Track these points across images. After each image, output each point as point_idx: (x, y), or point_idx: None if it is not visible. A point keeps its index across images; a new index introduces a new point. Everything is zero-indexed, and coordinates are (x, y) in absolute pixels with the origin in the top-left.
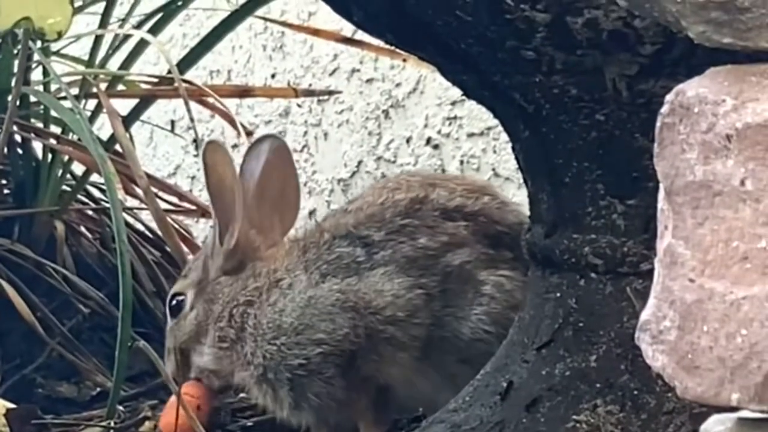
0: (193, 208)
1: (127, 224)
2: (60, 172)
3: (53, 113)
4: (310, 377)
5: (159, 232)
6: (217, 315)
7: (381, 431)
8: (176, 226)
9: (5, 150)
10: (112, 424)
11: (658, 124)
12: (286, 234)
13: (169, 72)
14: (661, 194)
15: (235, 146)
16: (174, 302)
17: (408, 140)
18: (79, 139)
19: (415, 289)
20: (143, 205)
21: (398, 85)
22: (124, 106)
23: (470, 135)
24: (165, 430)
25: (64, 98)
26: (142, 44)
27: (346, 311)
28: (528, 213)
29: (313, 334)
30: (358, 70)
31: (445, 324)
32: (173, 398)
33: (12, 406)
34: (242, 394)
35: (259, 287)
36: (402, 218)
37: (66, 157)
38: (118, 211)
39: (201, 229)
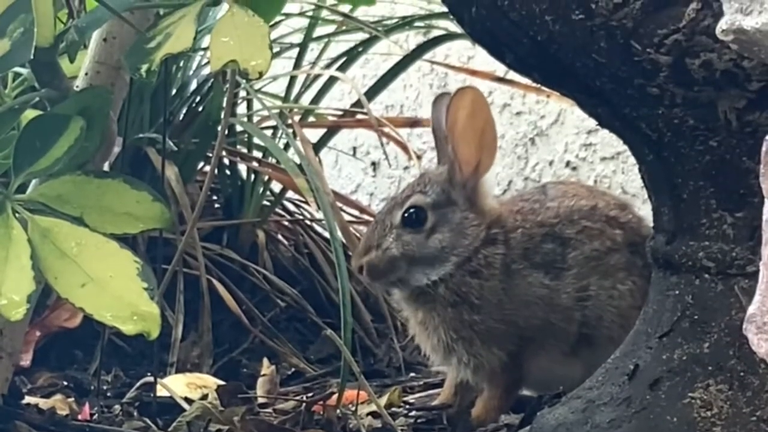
0: (372, 219)
1: (317, 232)
2: (261, 189)
3: (256, 140)
4: (487, 343)
5: (343, 240)
6: (462, 258)
7: (507, 403)
8: (357, 234)
9: (216, 171)
10: (305, 398)
11: (763, 149)
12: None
13: (353, 106)
14: (766, 208)
15: (406, 168)
16: (412, 213)
17: (551, 163)
18: (277, 162)
19: (589, 288)
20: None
21: (542, 116)
22: (314, 134)
23: (603, 158)
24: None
25: (265, 128)
26: (329, 83)
27: (546, 305)
28: (652, 225)
29: (512, 317)
30: (509, 105)
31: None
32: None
33: (222, 382)
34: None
35: (490, 260)
36: (585, 221)
37: (266, 177)
38: (333, 222)
39: None
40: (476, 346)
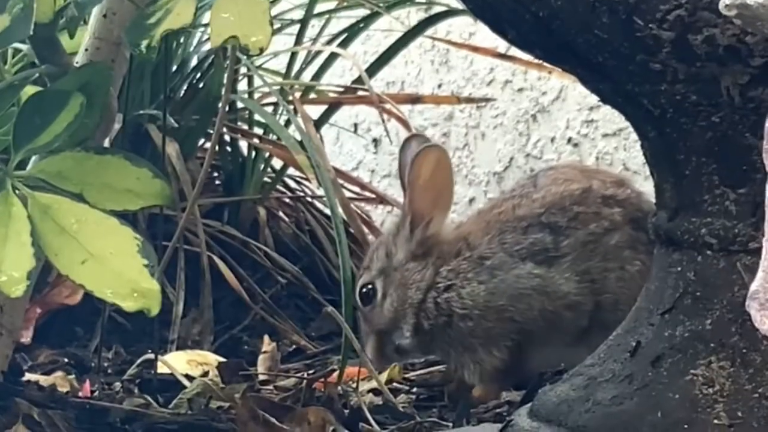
0: (373, 196)
1: (318, 209)
2: (262, 166)
3: (256, 117)
4: (486, 346)
5: (344, 216)
6: (417, 302)
7: (498, 391)
8: (358, 211)
9: (217, 147)
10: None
11: (766, 125)
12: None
13: (354, 82)
14: None
15: None
16: (364, 291)
17: (552, 140)
18: (278, 139)
19: (591, 271)
20: None
21: (544, 93)
22: (315, 111)
23: (605, 135)
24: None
25: (266, 104)
26: (330, 59)
27: (540, 295)
28: (654, 200)
29: (507, 313)
30: (511, 81)
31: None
32: None
33: (222, 359)
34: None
35: (457, 270)
36: (577, 207)
37: (267, 154)
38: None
39: (379, 214)
40: (478, 353)
